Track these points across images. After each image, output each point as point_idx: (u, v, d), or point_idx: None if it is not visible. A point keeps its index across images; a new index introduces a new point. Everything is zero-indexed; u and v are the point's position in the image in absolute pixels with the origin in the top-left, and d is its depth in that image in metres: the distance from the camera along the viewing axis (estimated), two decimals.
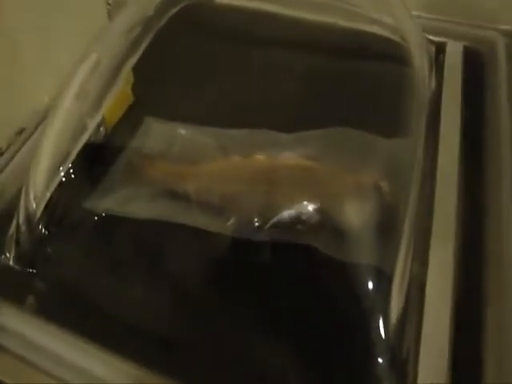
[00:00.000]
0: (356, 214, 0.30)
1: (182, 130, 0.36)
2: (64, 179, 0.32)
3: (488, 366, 0.25)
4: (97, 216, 0.32)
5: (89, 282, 0.29)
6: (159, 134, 0.37)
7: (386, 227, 0.29)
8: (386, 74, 0.37)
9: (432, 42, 0.42)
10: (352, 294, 0.28)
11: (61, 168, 0.32)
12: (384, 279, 0.27)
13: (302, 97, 0.38)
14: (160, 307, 0.28)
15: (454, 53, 0.41)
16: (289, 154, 0.32)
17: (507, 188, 0.32)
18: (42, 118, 0.38)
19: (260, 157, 0.32)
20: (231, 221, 0.30)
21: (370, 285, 0.28)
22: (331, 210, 0.30)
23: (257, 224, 0.30)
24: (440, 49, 0.42)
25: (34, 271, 0.30)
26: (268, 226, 0.30)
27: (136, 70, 0.39)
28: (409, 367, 0.25)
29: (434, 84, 0.38)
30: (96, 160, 0.35)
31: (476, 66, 0.41)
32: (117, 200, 0.32)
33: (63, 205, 0.32)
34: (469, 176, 0.33)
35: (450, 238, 0.29)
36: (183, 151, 0.35)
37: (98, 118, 0.36)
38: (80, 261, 0.30)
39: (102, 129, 0.37)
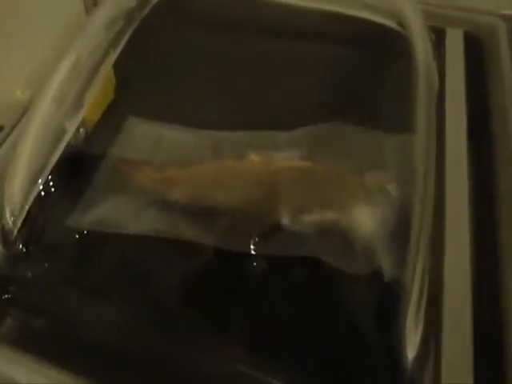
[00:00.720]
0: (365, 221, 0.28)
1: (170, 131, 0.33)
2: (43, 191, 0.30)
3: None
4: (80, 232, 0.29)
5: (70, 308, 0.26)
6: (145, 136, 0.34)
7: (398, 233, 0.27)
8: (388, 64, 0.35)
9: (430, 28, 0.40)
10: (365, 310, 0.26)
11: (39, 179, 0.29)
12: (400, 291, 0.25)
13: (297, 90, 0.35)
14: (148, 335, 0.25)
15: (455, 40, 0.39)
16: (286, 155, 0.30)
17: None
18: (19, 116, 0.35)
19: (255, 158, 0.30)
20: (226, 233, 0.28)
21: (385, 299, 0.26)
22: (337, 218, 0.28)
23: (254, 236, 0.28)
24: (439, 36, 0.39)
25: (9, 296, 0.27)
26: (267, 237, 0.28)
27: (117, 65, 0.37)
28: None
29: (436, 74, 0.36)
30: (77, 167, 0.32)
31: (477, 54, 0.39)
32: (101, 213, 0.29)
33: (43, 220, 0.29)
34: (478, 166, 0.32)
35: (464, 242, 0.27)
36: (172, 154, 0.32)
37: (78, 120, 0.34)
38: (61, 283, 0.27)
39: (81, 130, 0.34)
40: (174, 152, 0.33)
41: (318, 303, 0.26)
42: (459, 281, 0.26)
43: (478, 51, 0.39)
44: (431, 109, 0.31)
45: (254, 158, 0.30)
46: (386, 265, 0.26)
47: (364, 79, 0.35)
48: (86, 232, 0.29)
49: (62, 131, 0.32)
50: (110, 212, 0.29)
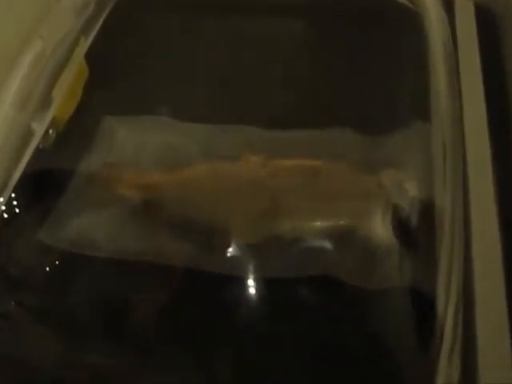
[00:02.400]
0: (384, 228, 0.24)
1: (154, 129, 0.29)
2: (6, 205, 0.26)
3: None
4: (52, 254, 0.25)
5: (34, 347, 0.22)
6: (126, 136, 0.30)
7: (421, 239, 0.24)
8: (400, 43, 0.31)
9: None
10: (391, 332, 0.22)
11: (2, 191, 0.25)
12: (429, 312, 0.22)
13: (294, 78, 0.31)
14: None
15: (465, 13, 0.35)
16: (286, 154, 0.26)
17: None
18: None
19: (252, 159, 0.25)
20: (218, 249, 0.24)
21: (411, 321, 0.22)
22: (351, 226, 0.24)
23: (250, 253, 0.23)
24: (448, 8, 0.35)
25: None
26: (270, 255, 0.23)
27: (90, 55, 0.33)
28: None
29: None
30: (47, 175, 0.28)
31: (490, 27, 0.36)
32: (75, 230, 0.25)
33: (8, 241, 0.25)
34: (500, 150, 0.28)
35: (494, 242, 0.24)
36: (159, 157, 0.28)
37: (46, 120, 0.30)
38: (30, 317, 0.24)
39: (51, 131, 0.30)
40: (162, 154, 0.28)
41: (333, 331, 0.22)
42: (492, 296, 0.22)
43: (490, 24, 0.36)
44: (454, 91, 0.28)
45: (250, 158, 0.26)
46: (410, 280, 0.23)
47: (374, 61, 0.31)
48: (58, 254, 0.25)
49: (28, 134, 0.28)
50: (85, 229, 0.25)
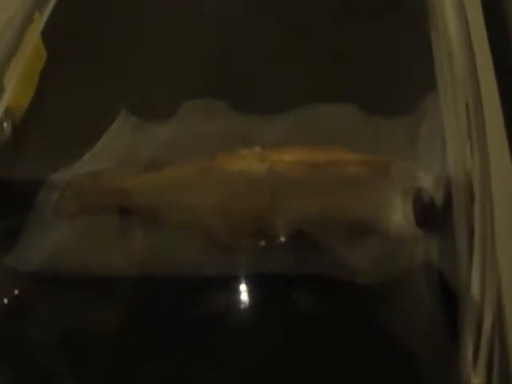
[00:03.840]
0: (402, 218, 0.20)
1: (125, 117, 0.25)
2: None
3: None
4: (23, 279, 0.21)
5: None
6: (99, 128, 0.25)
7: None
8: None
9: None
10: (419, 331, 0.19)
11: None
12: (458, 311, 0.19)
13: (286, 60, 0.27)
14: None
15: None
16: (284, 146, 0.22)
17: None
18: None
19: (248, 153, 0.22)
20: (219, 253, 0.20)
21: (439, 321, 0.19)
22: (363, 220, 0.21)
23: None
24: None
25: None
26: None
27: (47, 33, 0.28)
28: None
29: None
30: (5, 180, 0.23)
31: None
32: (50, 248, 0.21)
33: None
34: None
35: None
36: (134, 150, 0.24)
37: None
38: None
39: (6, 125, 0.26)
40: (138, 147, 0.24)
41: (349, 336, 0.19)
42: None
43: None
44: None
45: (245, 153, 0.22)
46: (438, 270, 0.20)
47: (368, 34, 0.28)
48: (30, 277, 0.21)
49: None
50: (60, 246, 0.21)
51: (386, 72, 0.26)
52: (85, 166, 0.23)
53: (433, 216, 0.21)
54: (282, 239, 0.20)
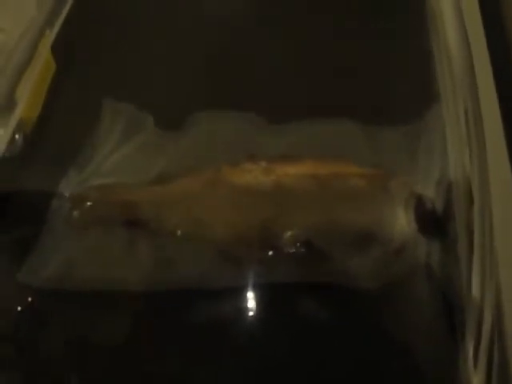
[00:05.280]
0: (404, 226, 0.21)
1: (138, 132, 0.25)
2: None
3: None
4: (34, 293, 0.21)
5: None
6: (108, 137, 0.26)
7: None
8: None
9: None
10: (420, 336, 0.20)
11: None
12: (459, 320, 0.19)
13: (283, 65, 0.28)
14: None
15: None
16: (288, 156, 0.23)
17: None
18: None
19: (254, 167, 0.22)
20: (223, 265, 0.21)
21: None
22: (365, 231, 0.21)
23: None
24: None
25: None
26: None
27: (56, 47, 0.29)
28: None
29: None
30: (17, 194, 0.24)
31: None
32: (62, 263, 0.22)
33: None
34: None
35: None
36: (142, 163, 0.24)
37: (12, 125, 0.26)
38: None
39: (17, 137, 0.27)
40: (147, 162, 0.25)
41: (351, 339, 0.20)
42: None
43: None
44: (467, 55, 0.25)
45: (251, 167, 0.22)
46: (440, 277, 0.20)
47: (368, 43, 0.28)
48: (41, 294, 0.21)
49: None
50: (71, 260, 0.22)
51: (387, 81, 0.26)
52: (94, 178, 0.24)
53: (434, 222, 0.22)
54: (288, 250, 0.21)
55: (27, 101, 0.27)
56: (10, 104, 0.27)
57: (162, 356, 0.19)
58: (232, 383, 0.19)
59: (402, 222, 0.21)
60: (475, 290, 0.20)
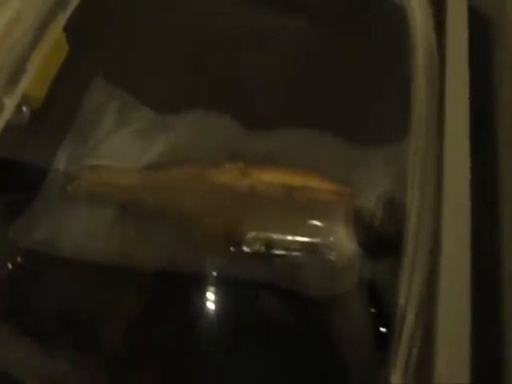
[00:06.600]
0: (347, 238, 0.24)
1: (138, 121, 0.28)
2: None
3: None
4: (22, 253, 0.24)
5: None
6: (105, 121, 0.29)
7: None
8: (380, 42, 0.30)
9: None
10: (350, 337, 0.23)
11: None
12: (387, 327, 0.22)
13: (272, 76, 0.30)
14: None
15: (457, 15, 0.34)
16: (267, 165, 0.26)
17: None
18: None
19: (233, 167, 0.25)
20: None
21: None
22: (313, 241, 0.24)
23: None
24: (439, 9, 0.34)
25: None
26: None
27: (70, 28, 0.31)
28: None
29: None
30: (19, 162, 0.27)
31: (483, 33, 0.35)
32: (50, 228, 0.25)
33: None
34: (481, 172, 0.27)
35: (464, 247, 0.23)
36: (137, 151, 0.27)
37: (17, 95, 0.28)
38: None
39: (25, 109, 0.29)
40: (145, 154, 0.27)
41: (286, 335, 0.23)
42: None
43: (483, 30, 0.35)
44: (434, 101, 0.27)
45: (231, 167, 0.25)
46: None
47: (352, 60, 0.31)
48: (28, 253, 0.24)
49: None
50: (60, 227, 0.25)
51: (368, 108, 0.29)
52: (89, 158, 0.27)
53: (373, 236, 0.25)
54: (248, 249, 0.24)
55: (36, 77, 0.29)
56: (17, 77, 0.28)
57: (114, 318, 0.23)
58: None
59: (346, 237, 0.24)
60: (401, 298, 0.22)
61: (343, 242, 0.24)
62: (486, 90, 0.32)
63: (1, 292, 0.24)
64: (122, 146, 0.27)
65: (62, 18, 0.31)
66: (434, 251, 0.23)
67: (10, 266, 0.24)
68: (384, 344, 0.22)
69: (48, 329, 0.23)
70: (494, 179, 0.29)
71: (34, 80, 0.29)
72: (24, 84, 0.28)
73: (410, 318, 0.21)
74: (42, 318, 0.23)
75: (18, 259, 0.24)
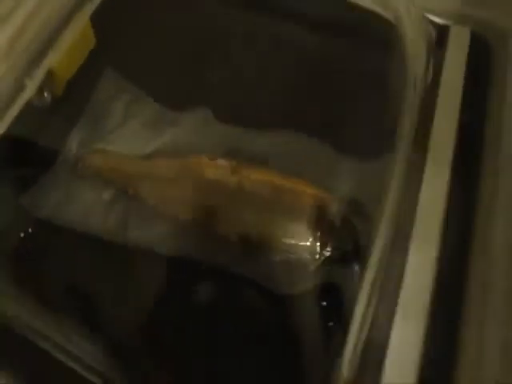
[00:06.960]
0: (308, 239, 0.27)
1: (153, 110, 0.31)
2: None
3: None
4: (31, 220, 0.27)
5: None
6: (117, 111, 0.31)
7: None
8: (371, 63, 0.32)
9: (433, 24, 0.36)
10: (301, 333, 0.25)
11: None
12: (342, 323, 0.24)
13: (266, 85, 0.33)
14: None
15: (459, 40, 0.36)
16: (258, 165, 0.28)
17: (501, 214, 0.28)
18: None
19: (224, 164, 0.28)
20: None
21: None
22: (277, 238, 0.27)
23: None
24: (442, 34, 0.35)
25: None
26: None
27: (96, 19, 0.33)
28: None
29: (430, 78, 0.32)
30: (35, 141, 0.29)
31: (483, 58, 0.36)
32: (57, 200, 0.28)
33: None
34: (460, 198, 0.29)
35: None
36: (141, 143, 0.30)
37: (38, 78, 0.30)
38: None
39: (46, 93, 0.31)
40: (148, 145, 0.30)
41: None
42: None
43: (483, 55, 0.36)
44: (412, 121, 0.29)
45: (222, 163, 0.28)
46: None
47: (345, 77, 0.33)
48: (36, 220, 0.27)
49: (17, 90, 0.29)
50: (65, 201, 0.28)
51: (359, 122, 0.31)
52: (101, 143, 0.30)
53: (343, 242, 0.27)
54: (226, 239, 0.27)
55: (60, 64, 0.31)
56: (40, 60, 0.29)
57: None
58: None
59: (320, 240, 0.27)
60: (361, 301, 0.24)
61: (316, 244, 0.27)
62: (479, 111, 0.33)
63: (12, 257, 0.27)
64: (129, 136, 0.30)
65: (90, 8, 0.33)
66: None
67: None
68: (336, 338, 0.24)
69: (54, 292, 0.26)
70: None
71: (59, 63, 0.31)
72: (45, 69, 0.29)
73: (356, 320, 0.23)
74: (48, 282, 0.26)
75: (28, 228, 0.27)
